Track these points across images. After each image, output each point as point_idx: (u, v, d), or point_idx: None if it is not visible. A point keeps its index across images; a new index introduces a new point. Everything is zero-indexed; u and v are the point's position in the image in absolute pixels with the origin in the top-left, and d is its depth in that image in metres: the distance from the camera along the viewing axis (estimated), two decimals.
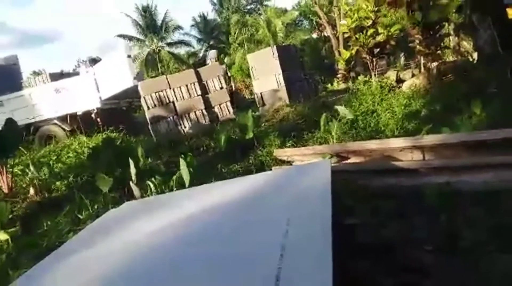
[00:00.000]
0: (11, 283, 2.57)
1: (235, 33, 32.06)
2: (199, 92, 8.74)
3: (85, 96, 11.32)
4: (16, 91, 12.29)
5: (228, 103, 8.93)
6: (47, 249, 3.38)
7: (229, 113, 8.83)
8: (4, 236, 3.88)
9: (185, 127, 8.62)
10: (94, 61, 13.53)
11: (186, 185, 4.24)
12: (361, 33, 10.91)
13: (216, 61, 11.34)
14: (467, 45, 13.03)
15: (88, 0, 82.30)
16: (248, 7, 37.49)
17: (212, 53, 11.88)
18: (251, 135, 6.03)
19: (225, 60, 25.95)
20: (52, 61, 76.68)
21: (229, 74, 11.11)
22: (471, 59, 10.55)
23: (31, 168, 6.23)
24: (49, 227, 4.02)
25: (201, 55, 33.40)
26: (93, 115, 11.57)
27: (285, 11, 32.55)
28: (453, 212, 2.75)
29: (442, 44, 10.05)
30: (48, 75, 13.07)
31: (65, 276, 2.37)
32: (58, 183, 5.79)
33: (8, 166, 6.11)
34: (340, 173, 3.64)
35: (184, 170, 4.36)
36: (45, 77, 12.98)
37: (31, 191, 5.60)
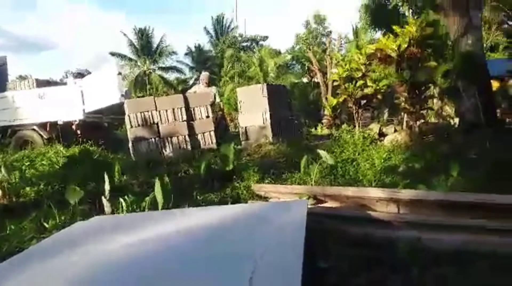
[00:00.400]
0: None
1: (227, 67, 32.53)
2: (185, 118, 8.75)
3: (69, 106, 11.25)
4: (0, 92, 12.15)
5: (212, 133, 8.93)
6: (7, 254, 3.26)
7: (212, 142, 8.82)
8: None
9: (166, 150, 8.57)
10: (80, 75, 13.50)
11: (159, 208, 4.19)
12: (350, 83, 11.22)
13: (207, 84, 11.08)
14: (449, 110, 13.45)
15: (86, 15, 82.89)
16: (244, 43, 38.24)
17: (204, 75, 11.45)
18: (231, 167, 6.02)
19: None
20: (41, 69, 76.30)
21: (218, 99, 10.89)
22: (452, 123, 10.87)
23: (2, 170, 6.05)
24: (12, 232, 3.89)
25: (191, 83, 33.63)
26: (73, 126, 11.46)
27: (278, 53, 33.25)
28: (423, 268, 2.76)
29: (426, 105, 10.36)
30: (34, 81, 12.96)
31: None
32: (28, 188, 5.64)
33: None
34: (315, 215, 3.64)
35: (158, 192, 4.32)
36: (31, 82, 12.87)
37: None
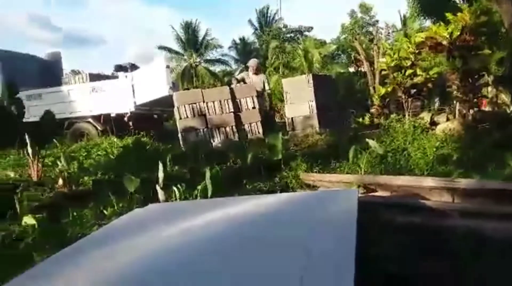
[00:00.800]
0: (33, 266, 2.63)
1: (272, 58, 32.48)
2: (232, 109, 8.88)
3: (121, 99, 11.67)
4: (56, 86, 12.73)
5: (259, 123, 9.02)
6: (70, 238, 3.46)
7: (259, 133, 8.91)
8: (31, 221, 3.98)
9: (214, 141, 8.74)
10: (122, 67, 13.84)
11: (209, 195, 4.31)
12: (399, 73, 10.95)
13: (256, 71, 10.89)
14: (505, 97, 12.86)
15: (132, 9, 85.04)
16: (288, 35, 38.05)
17: (253, 62, 11.10)
18: (279, 156, 6.06)
19: None
20: (90, 63, 79.21)
21: (267, 87, 10.72)
22: (508, 111, 10.41)
23: (62, 160, 6.40)
24: (74, 218, 4.12)
25: (236, 74, 33.90)
26: (125, 118, 11.88)
27: (323, 43, 32.85)
28: (477, 258, 2.70)
29: (480, 93, 9.97)
30: (87, 75, 13.51)
31: (80, 269, 2.39)
32: (86, 178, 5.93)
33: (40, 156, 6.30)
34: (366, 204, 3.61)
35: (209, 181, 4.43)
36: (85, 77, 13.42)
37: (60, 182, 5.75)
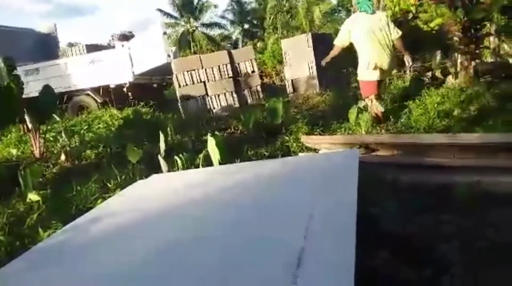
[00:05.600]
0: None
1: (270, 18, 31.81)
2: (231, 74, 8.79)
3: (119, 69, 11.50)
4: (53, 59, 12.57)
5: (259, 87, 8.95)
6: (76, 212, 3.50)
7: (259, 97, 8.85)
8: (35, 197, 4.03)
9: (214, 107, 8.69)
10: (124, 37, 13.60)
11: (214, 164, 4.31)
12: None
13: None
14: (508, 48, 12.62)
15: None
16: None
17: None
18: (279, 120, 6.04)
19: (258, 45, 25.95)
20: (87, 34, 78.11)
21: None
22: (511, 62, 10.23)
23: (63, 135, 6.41)
24: (78, 192, 4.15)
25: (234, 37, 33.38)
26: (125, 89, 11.76)
27: (323, 0, 32.04)
28: (481, 212, 2.71)
29: (482, 43, 9.75)
30: (84, 47, 13.32)
31: (86, 244, 2.43)
32: (88, 151, 5.95)
33: (41, 131, 6.29)
34: (367, 164, 3.61)
35: (211, 149, 4.42)
36: (81, 48, 13.24)
37: (62, 157, 5.78)
